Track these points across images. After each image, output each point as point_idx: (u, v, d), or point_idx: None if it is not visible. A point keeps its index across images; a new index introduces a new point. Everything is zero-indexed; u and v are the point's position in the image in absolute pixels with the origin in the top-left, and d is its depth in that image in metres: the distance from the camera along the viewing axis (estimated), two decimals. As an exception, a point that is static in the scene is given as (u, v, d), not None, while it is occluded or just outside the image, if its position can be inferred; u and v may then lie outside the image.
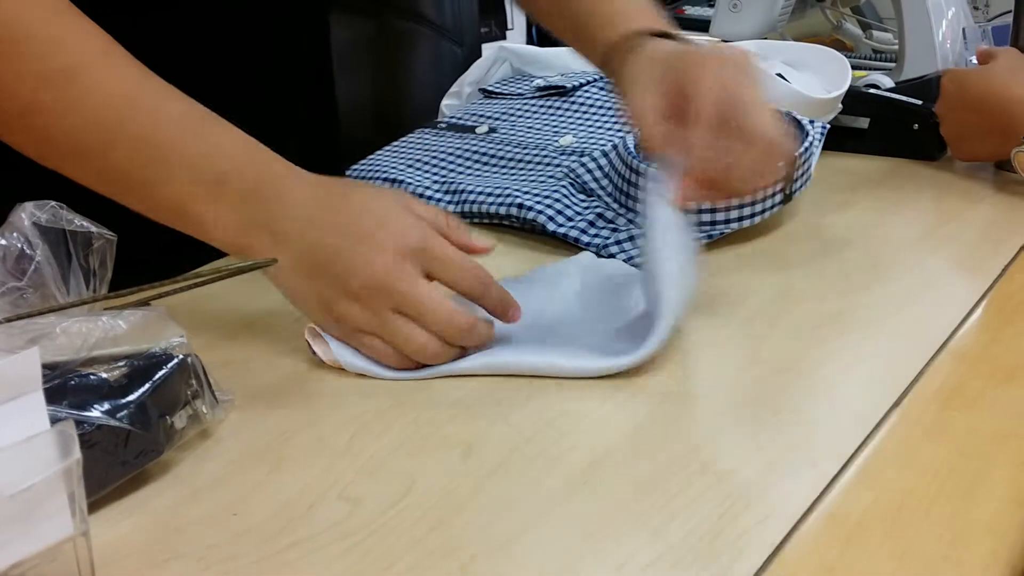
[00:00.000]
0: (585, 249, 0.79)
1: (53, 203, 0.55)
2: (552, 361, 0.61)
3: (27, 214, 0.54)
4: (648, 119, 0.66)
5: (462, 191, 0.86)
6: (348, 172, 0.92)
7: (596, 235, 0.80)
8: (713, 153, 0.64)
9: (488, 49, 1.14)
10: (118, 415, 0.49)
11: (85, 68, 0.58)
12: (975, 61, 1.08)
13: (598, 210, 0.83)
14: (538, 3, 0.83)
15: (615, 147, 0.85)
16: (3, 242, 0.53)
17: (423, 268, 0.60)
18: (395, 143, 0.96)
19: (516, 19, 3.37)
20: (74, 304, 0.50)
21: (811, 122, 0.86)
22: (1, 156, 0.68)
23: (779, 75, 0.98)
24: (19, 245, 0.54)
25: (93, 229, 0.55)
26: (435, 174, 0.91)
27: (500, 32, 2.71)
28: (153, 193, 0.61)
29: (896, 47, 1.23)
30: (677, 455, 0.54)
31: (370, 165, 0.93)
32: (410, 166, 0.92)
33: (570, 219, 0.82)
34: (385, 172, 0.91)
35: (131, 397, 0.50)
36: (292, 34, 0.87)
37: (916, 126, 0.98)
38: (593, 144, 0.91)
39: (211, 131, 0.61)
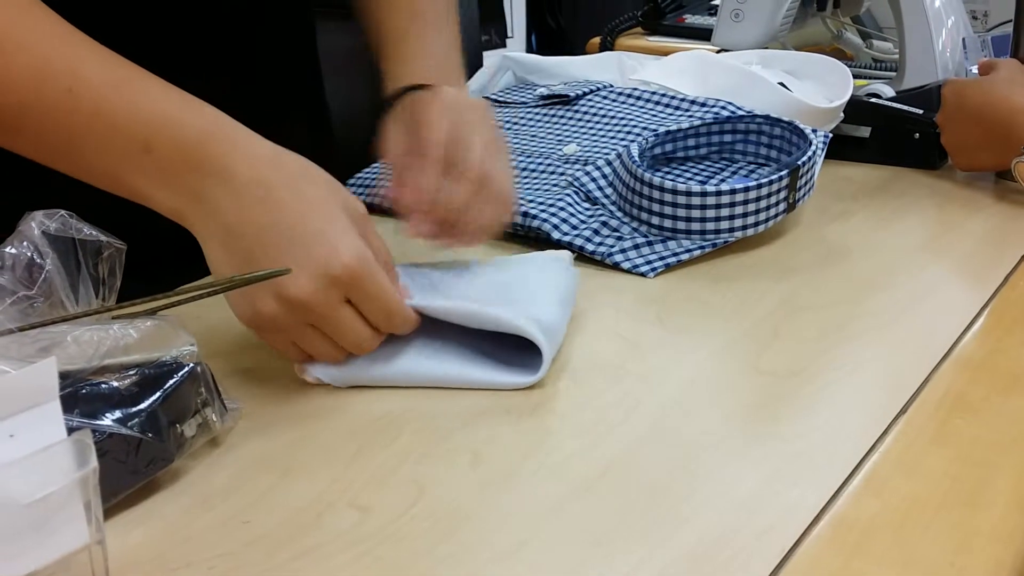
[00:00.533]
0: (590, 257, 0.79)
1: (63, 212, 0.55)
2: (446, 372, 0.62)
3: (37, 223, 0.54)
4: (388, 155, 0.70)
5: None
6: (348, 183, 0.92)
7: (601, 243, 0.81)
8: (438, 192, 0.67)
9: (491, 58, 1.14)
10: (129, 424, 0.50)
11: (5, 33, 0.55)
12: (975, 71, 1.09)
13: (603, 218, 0.83)
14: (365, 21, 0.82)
15: (619, 156, 0.86)
16: (13, 251, 0.54)
17: (347, 295, 0.59)
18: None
19: (516, 27, 3.38)
20: (88, 313, 0.50)
21: (814, 131, 0.86)
22: (10, 165, 0.68)
23: (781, 84, 0.99)
24: (29, 254, 0.54)
25: (103, 238, 0.56)
26: (439, 182, 0.91)
27: (500, 40, 2.73)
28: (87, 164, 0.58)
29: (896, 56, 1.24)
30: (683, 463, 0.54)
31: (372, 175, 0.94)
32: (414, 174, 0.92)
33: (575, 227, 0.82)
34: (387, 181, 0.91)
35: (142, 406, 0.50)
36: (278, 42, 0.86)
37: (917, 135, 0.99)
38: (597, 153, 0.91)
39: (131, 92, 0.57)
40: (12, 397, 0.36)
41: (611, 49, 1.57)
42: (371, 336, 0.60)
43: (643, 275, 0.78)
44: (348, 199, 0.60)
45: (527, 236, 0.83)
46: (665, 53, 1.46)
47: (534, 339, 0.61)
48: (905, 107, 1.00)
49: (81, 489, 0.37)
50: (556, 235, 0.81)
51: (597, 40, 1.66)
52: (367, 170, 0.95)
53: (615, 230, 0.82)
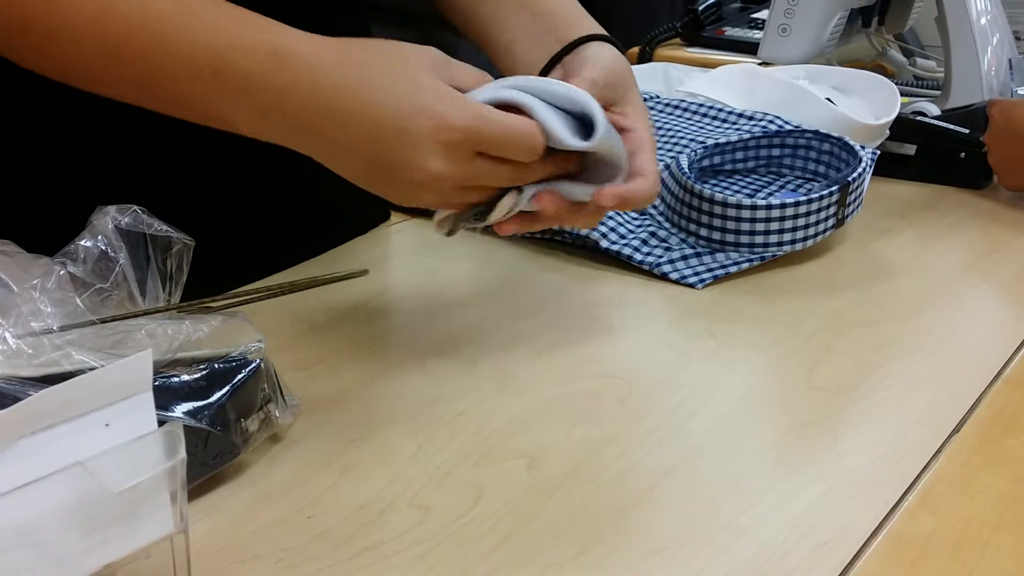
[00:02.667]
0: (639, 267, 0.80)
1: (135, 207, 0.56)
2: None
3: (110, 217, 0.56)
4: None
5: (514, 205, 0.87)
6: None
7: (649, 253, 0.81)
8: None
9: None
10: (199, 417, 0.50)
11: None
12: (1022, 92, 1.09)
13: (651, 228, 0.83)
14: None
15: (667, 167, 0.86)
16: (87, 244, 0.55)
17: (474, 150, 0.56)
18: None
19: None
20: (171, 308, 0.51)
21: (862, 147, 0.87)
22: (88, 161, 0.70)
23: (828, 99, 0.99)
24: (102, 247, 0.55)
25: (173, 234, 0.57)
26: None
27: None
28: (166, 94, 0.57)
29: (938, 74, 1.24)
30: (738, 476, 0.55)
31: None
32: (462, 179, 0.93)
33: (623, 236, 0.83)
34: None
35: (211, 400, 0.51)
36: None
37: (963, 155, 0.99)
38: (644, 163, 0.92)
39: (192, 18, 0.55)
40: (109, 388, 0.37)
41: (650, 59, 1.57)
42: (518, 171, 0.58)
43: (691, 286, 0.78)
44: (420, 54, 0.57)
45: (574, 244, 0.83)
46: (705, 65, 1.46)
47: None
48: (951, 126, 1.00)
49: (169, 479, 0.38)
50: (604, 244, 0.82)
51: (636, 50, 1.66)
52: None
53: (663, 240, 0.82)
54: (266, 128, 0.57)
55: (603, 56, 0.67)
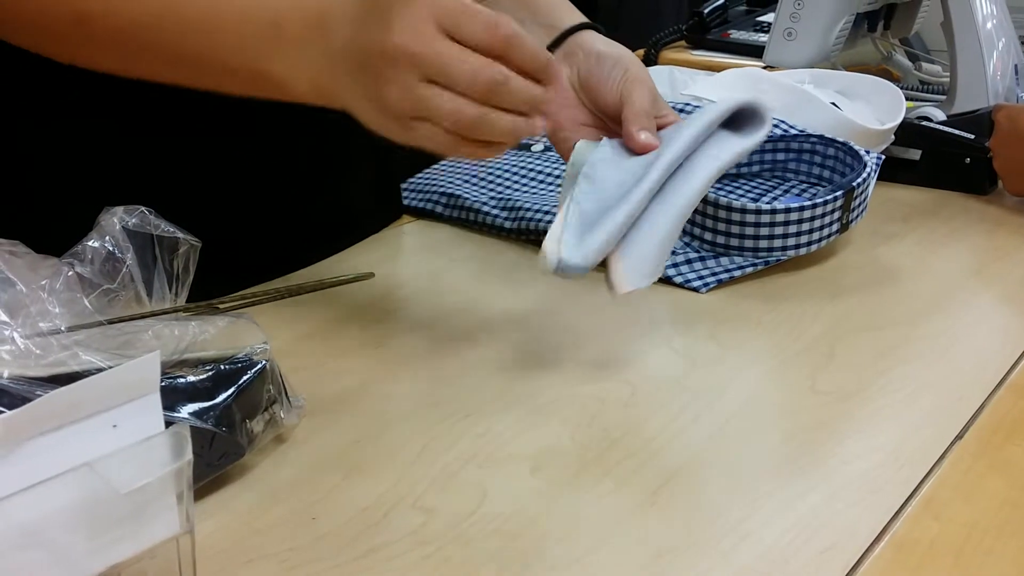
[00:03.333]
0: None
1: (142, 208, 0.57)
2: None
3: (118, 218, 0.56)
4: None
5: (518, 208, 0.88)
6: (404, 185, 0.94)
7: (653, 257, 0.81)
8: None
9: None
10: (204, 417, 0.51)
11: None
12: (1028, 98, 1.09)
13: (655, 232, 0.83)
14: None
15: (672, 170, 0.86)
16: (95, 244, 0.55)
17: (447, 31, 0.55)
18: (452, 158, 0.98)
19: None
20: (177, 309, 0.51)
21: (867, 152, 0.87)
22: (95, 163, 0.70)
23: (833, 104, 0.99)
24: (110, 248, 0.55)
25: (179, 235, 0.57)
26: (491, 190, 0.92)
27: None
28: (230, 66, 0.59)
29: (944, 79, 1.24)
30: (743, 480, 0.55)
31: (426, 178, 0.95)
32: (466, 181, 0.93)
33: (627, 240, 0.83)
34: (441, 186, 0.92)
35: (217, 400, 0.52)
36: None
37: (968, 160, 0.99)
38: (649, 166, 0.92)
39: None
40: (117, 389, 0.38)
41: (655, 62, 1.57)
42: (490, 74, 0.55)
43: (695, 290, 0.78)
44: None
45: (580, 246, 0.83)
46: (710, 67, 1.46)
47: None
48: (957, 131, 1.00)
49: (175, 480, 0.38)
50: (609, 246, 0.82)
51: (641, 52, 1.66)
52: (426, 171, 0.96)
53: (668, 244, 0.82)
54: (313, 81, 0.58)
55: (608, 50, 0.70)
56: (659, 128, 0.69)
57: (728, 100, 0.67)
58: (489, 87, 0.55)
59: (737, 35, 1.60)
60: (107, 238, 0.55)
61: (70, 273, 0.50)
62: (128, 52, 0.59)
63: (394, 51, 0.54)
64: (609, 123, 0.71)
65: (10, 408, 0.42)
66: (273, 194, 0.77)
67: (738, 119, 0.69)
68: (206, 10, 0.58)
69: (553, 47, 0.72)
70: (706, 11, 1.62)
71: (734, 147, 0.67)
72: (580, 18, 0.74)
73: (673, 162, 0.65)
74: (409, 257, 0.87)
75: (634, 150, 0.67)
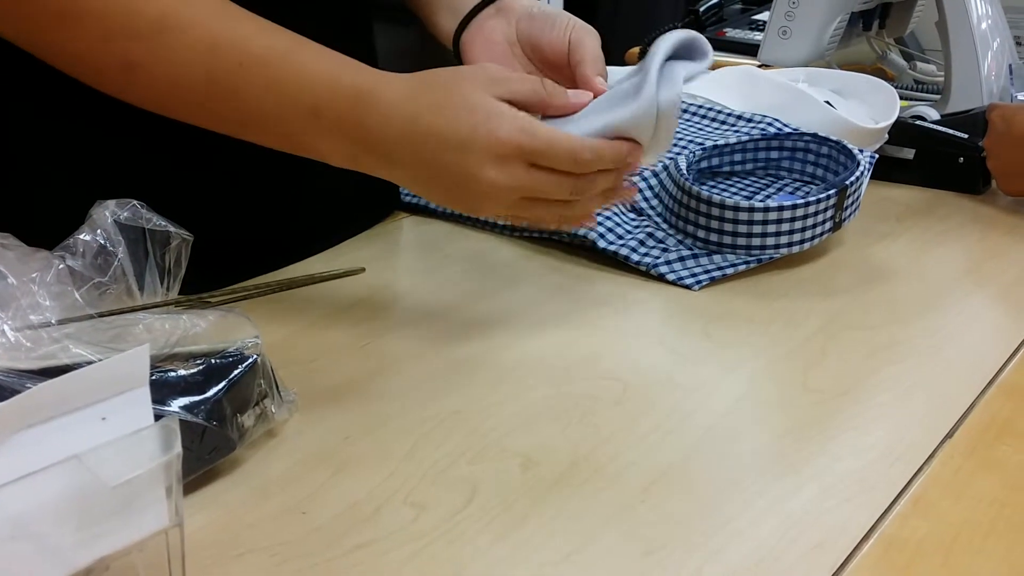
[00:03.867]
0: (636, 268, 0.80)
1: (134, 202, 0.56)
2: None
3: (109, 212, 0.56)
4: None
5: (513, 204, 0.87)
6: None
7: (646, 254, 0.81)
8: None
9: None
10: (195, 411, 0.51)
11: (168, 18, 0.58)
12: (1022, 98, 1.09)
13: (648, 229, 0.84)
14: None
15: (666, 167, 0.86)
16: (86, 238, 0.55)
17: (528, 161, 0.60)
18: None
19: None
20: (169, 303, 0.51)
21: (861, 151, 0.87)
22: (86, 155, 0.70)
23: (827, 102, 0.99)
24: (101, 241, 0.55)
25: (171, 229, 0.57)
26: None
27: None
28: (267, 129, 0.62)
29: (938, 79, 1.24)
30: (733, 478, 0.55)
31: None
32: (461, 177, 0.93)
33: (620, 237, 0.83)
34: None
35: (208, 395, 0.52)
36: (340, 44, 0.89)
37: (961, 159, 0.99)
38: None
39: (294, 63, 0.60)
40: (106, 382, 0.38)
41: (651, 59, 1.57)
42: (578, 182, 0.61)
43: (688, 287, 0.78)
44: (475, 75, 0.61)
45: (572, 243, 0.84)
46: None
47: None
48: (951, 131, 1.00)
49: (164, 473, 0.38)
50: (602, 244, 0.82)
51: (636, 50, 1.66)
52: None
53: (660, 241, 0.83)
54: (354, 158, 0.62)
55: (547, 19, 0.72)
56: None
57: (669, 39, 0.64)
58: (579, 193, 0.62)
59: (733, 33, 1.61)
60: (99, 231, 0.54)
61: (61, 266, 0.50)
62: (171, 107, 0.61)
63: (489, 187, 0.60)
64: (549, 74, 0.71)
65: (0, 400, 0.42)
66: (266, 188, 0.77)
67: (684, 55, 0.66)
68: (247, 85, 0.59)
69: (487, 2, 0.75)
70: (702, 9, 1.62)
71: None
72: None
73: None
74: (403, 253, 0.87)
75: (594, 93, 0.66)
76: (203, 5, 0.59)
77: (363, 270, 0.56)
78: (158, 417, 0.46)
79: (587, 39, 0.70)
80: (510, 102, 0.60)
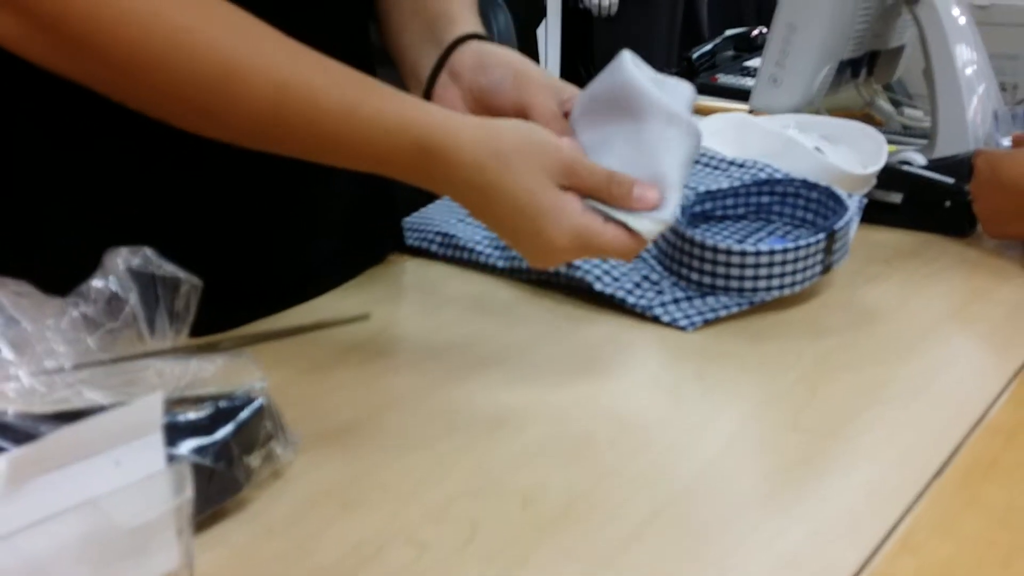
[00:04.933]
0: (631, 310, 0.82)
1: (146, 249, 0.58)
2: None
3: (122, 259, 0.57)
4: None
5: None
6: (403, 222, 0.95)
7: (642, 296, 0.83)
8: None
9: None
10: (203, 454, 0.52)
11: (235, 68, 0.58)
12: (1006, 143, 1.12)
13: (643, 272, 0.86)
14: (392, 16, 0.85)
15: (660, 212, 0.88)
16: (99, 285, 0.57)
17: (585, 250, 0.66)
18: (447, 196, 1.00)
19: (552, 71, 3.42)
20: (179, 349, 0.53)
21: (850, 196, 0.89)
22: (100, 204, 0.72)
23: (817, 148, 1.02)
24: (113, 288, 0.57)
25: (181, 275, 0.58)
26: (485, 230, 0.94)
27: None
28: (332, 163, 0.64)
29: (925, 124, 1.27)
30: (726, 517, 0.57)
31: (422, 218, 0.97)
32: (461, 220, 0.95)
33: (616, 279, 0.85)
34: (436, 225, 0.94)
35: (216, 437, 0.53)
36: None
37: (948, 203, 1.02)
38: (638, 208, 0.94)
39: (358, 119, 0.62)
40: (121, 428, 0.39)
41: (645, 103, 1.60)
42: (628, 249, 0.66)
43: (682, 329, 0.80)
44: (544, 162, 0.64)
45: (569, 285, 0.85)
46: (698, 110, 1.49)
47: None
48: (937, 176, 1.03)
49: (176, 516, 0.39)
50: (598, 286, 0.84)
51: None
52: (422, 211, 0.98)
53: (655, 284, 0.85)
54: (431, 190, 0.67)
55: (505, 61, 0.74)
56: (566, 113, 0.72)
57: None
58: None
59: (725, 79, 1.64)
60: (111, 278, 0.56)
61: (75, 313, 0.52)
62: (248, 145, 0.63)
63: (558, 253, 0.65)
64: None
65: (15, 444, 0.43)
66: (271, 231, 0.79)
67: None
68: (315, 136, 0.61)
69: (438, 67, 0.77)
70: (695, 55, 1.66)
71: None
72: (465, 27, 0.78)
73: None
74: (405, 295, 0.88)
75: None
76: (271, 52, 0.60)
77: (368, 316, 0.58)
78: (168, 459, 0.48)
79: (535, 98, 0.72)
80: (576, 189, 0.64)
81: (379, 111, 0.62)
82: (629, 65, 0.68)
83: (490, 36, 0.79)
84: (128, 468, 0.39)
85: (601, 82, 0.70)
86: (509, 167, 0.63)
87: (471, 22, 0.79)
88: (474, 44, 0.76)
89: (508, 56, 0.75)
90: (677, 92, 0.69)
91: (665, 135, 0.67)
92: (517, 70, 0.73)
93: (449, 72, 0.76)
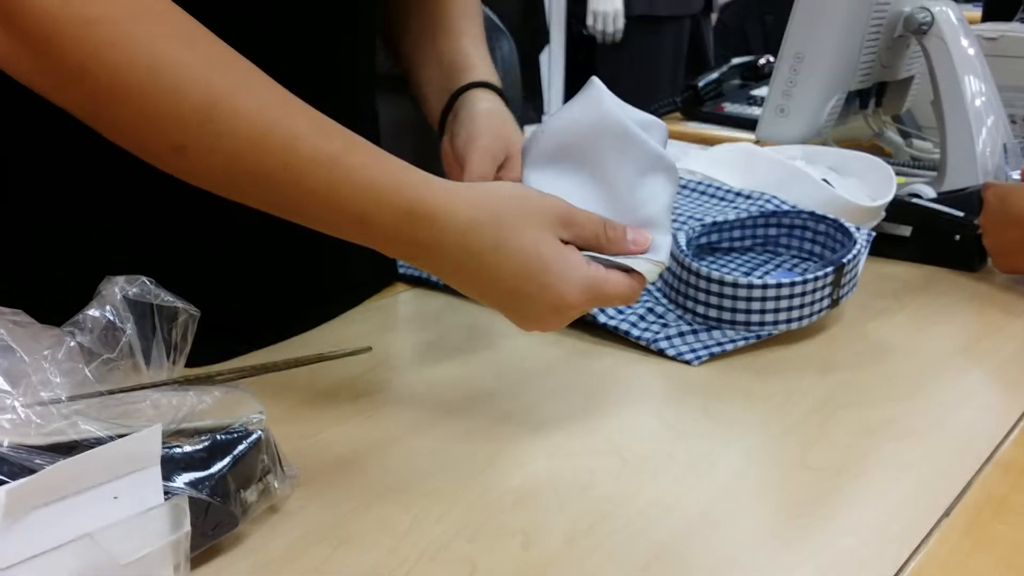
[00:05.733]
0: (636, 343, 0.81)
1: (143, 278, 0.58)
2: None
3: (119, 288, 0.57)
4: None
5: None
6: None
7: (646, 329, 0.82)
8: None
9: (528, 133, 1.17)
10: (200, 487, 0.51)
11: (218, 105, 0.56)
12: (1016, 176, 1.11)
13: (648, 304, 0.85)
14: (403, 47, 0.87)
15: (666, 244, 0.88)
16: (95, 313, 0.56)
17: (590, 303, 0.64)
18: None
19: (553, 105, 3.44)
20: (176, 381, 0.52)
21: (858, 229, 0.88)
22: (96, 233, 0.71)
23: (824, 180, 1.01)
24: (110, 317, 0.56)
25: (179, 305, 0.58)
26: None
27: (537, 116, 2.78)
28: (316, 224, 0.61)
29: (934, 155, 1.26)
30: (733, 554, 0.56)
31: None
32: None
33: (620, 312, 0.84)
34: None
35: (212, 471, 0.52)
36: (344, 114, 0.91)
37: (958, 237, 1.01)
38: (643, 239, 0.93)
39: (341, 170, 0.58)
40: (119, 461, 0.38)
41: (652, 133, 1.60)
42: (633, 291, 0.66)
43: (687, 363, 0.79)
44: (542, 217, 0.62)
45: (574, 317, 0.85)
46: (704, 139, 1.49)
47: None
48: (947, 208, 1.02)
49: (173, 551, 0.39)
50: (602, 319, 0.83)
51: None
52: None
53: (660, 316, 0.84)
54: (410, 262, 0.63)
55: (476, 120, 0.75)
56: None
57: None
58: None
59: (731, 108, 1.64)
60: (108, 308, 0.56)
61: (71, 344, 0.51)
62: (220, 190, 0.60)
63: (568, 310, 0.63)
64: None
65: (10, 476, 0.43)
66: (270, 262, 0.79)
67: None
68: (292, 185, 0.58)
69: (445, 114, 0.79)
70: (701, 84, 1.65)
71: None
72: (474, 75, 0.79)
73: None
74: (404, 326, 0.88)
75: None
76: (258, 94, 0.58)
77: (369, 349, 0.57)
78: (166, 492, 0.47)
79: (471, 157, 0.73)
80: (574, 241, 0.63)
81: (365, 166, 0.59)
82: (609, 101, 0.67)
83: (495, 83, 0.80)
84: (126, 502, 0.38)
85: (571, 118, 0.68)
86: (509, 226, 0.61)
87: (480, 69, 0.80)
88: (469, 93, 0.78)
89: (474, 112, 0.76)
90: (656, 131, 0.69)
91: (652, 179, 0.67)
92: (470, 131, 0.74)
93: (454, 116, 0.78)
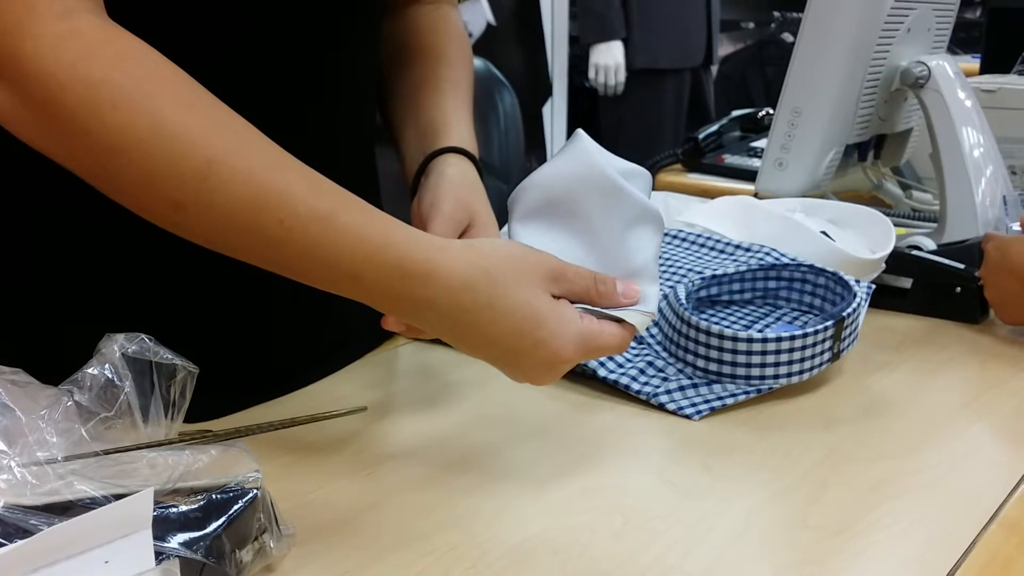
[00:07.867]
0: (636, 396, 0.81)
1: (142, 336, 0.58)
2: None
3: (118, 345, 0.57)
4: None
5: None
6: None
7: (646, 383, 0.82)
8: None
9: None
10: (194, 548, 0.51)
11: (214, 164, 0.57)
12: (1015, 228, 1.12)
13: (648, 358, 0.85)
14: (390, 107, 0.87)
15: (666, 297, 0.88)
16: (94, 372, 0.56)
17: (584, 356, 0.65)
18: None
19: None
20: (172, 441, 0.52)
21: (858, 282, 0.88)
22: (98, 289, 0.72)
23: (824, 232, 1.01)
24: (109, 375, 0.56)
25: (177, 362, 0.58)
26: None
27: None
28: (311, 281, 0.61)
29: (934, 207, 1.27)
30: (733, 616, 0.55)
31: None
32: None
33: (620, 365, 0.84)
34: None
35: (207, 530, 0.52)
36: (341, 167, 0.91)
37: (959, 289, 1.01)
38: (644, 292, 0.93)
39: (334, 228, 0.59)
40: (110, 525, 0.38)
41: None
42: (624, 342, 0.66)
43: (688, 417, 0.79)
44: (534, 273, 0.62)
45: (572, 371, 0.84)
46: (704, 190, 1.50)
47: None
48: (947, 261, 1.02)
49: (162, 618, 0.38)
50: (602, 372, 0.83)
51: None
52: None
53: (660, 370, 0.84)
54: (405, 318, 0.63)
55: (442, 185, 0.75)
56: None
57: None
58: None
59: (731, 160, 1.65)
60: (107, 365, 0.56)
61: (69, 403, 0.51)
62: (218, 247, 0.61)
63: (562, 364, 0.64)
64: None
65: (4, 537, 0.42)
66: (270, 317, 0.79)
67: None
68: (288, 243, 0.59)
69: (418, 178, 0.78)
70: (701, 136, 1.67)
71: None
72: (449, 140, 0.79)
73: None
74: (403, 380, 0.87)
75: None
76: (254, 153, 0.58)
77: (364, 408, 0.57)
78: (158, 554, 0.47)
79: (432, 224, 0.72)
80: (565, 296, 0.64)
81: (359, 224, 0.59)
82: (595, 154, 0.67)
83: (470, 149, 0.80)
84: (116, 566, 0.38)
85: (557, 172, 0.68)
86: (503, 284, 0.61)
87: (457, 134, 0.80)
88: (441, 158, 0.77)
89: (442, 177, 0.76)
90: (640, 179, 0.69)
91: (638, 230, 0.67)
92: (435, 195, 0.74)
93: (426, 181, 0.77)
